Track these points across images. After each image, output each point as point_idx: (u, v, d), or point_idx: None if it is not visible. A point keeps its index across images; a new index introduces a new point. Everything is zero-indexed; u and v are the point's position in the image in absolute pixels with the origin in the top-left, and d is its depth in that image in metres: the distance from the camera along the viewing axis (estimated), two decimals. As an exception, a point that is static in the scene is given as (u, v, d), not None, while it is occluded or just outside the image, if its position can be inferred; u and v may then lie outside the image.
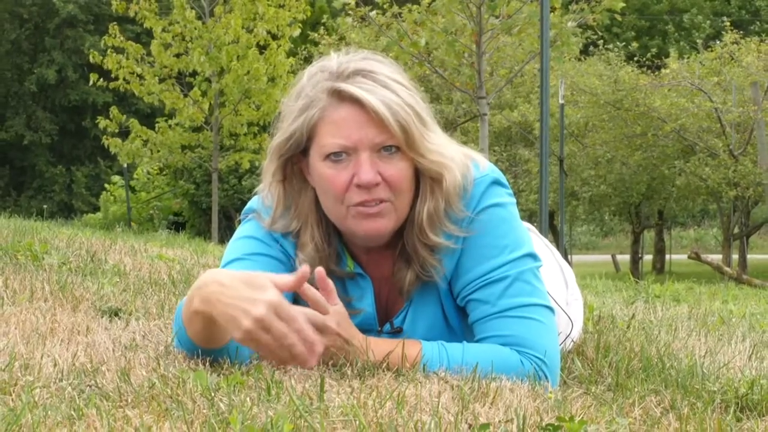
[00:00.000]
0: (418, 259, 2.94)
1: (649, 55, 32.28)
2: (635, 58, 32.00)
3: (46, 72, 51.07)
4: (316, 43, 28.29)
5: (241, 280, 2.66)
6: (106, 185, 37.15)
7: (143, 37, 26.22)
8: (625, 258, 38.12)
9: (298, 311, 2.66)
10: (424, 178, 2.89)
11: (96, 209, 39.96)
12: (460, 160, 2.93)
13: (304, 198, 2.96)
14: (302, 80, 2.92)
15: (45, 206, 31.71)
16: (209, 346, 2.79)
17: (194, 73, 23.63)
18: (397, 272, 2.99)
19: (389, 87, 2.82)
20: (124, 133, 24.27)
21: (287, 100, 2.94)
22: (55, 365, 2.67)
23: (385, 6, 16.21)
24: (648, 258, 38.77)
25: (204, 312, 2.68)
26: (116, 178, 36.10)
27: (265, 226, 3.01)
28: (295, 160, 2.94)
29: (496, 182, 2.97)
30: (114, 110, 24.10)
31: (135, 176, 35.26)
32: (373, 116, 2.79)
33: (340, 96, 2.82)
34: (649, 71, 31.12)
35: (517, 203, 3.07)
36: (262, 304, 2.60)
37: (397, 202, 2.86)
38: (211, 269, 2.82)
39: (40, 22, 52.82)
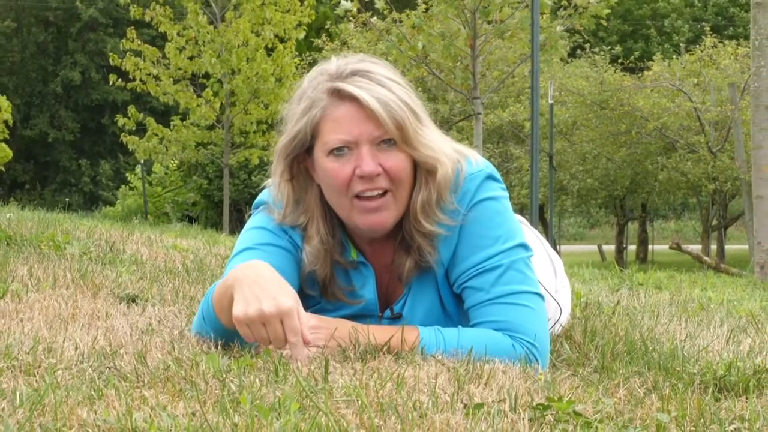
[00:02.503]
0: (415, 245, 2.95)
1: (632, 57, 32.23)
2: (619, 61, 31.98)
3: (70, 74, 51.13)
4: (319, 49, 28.26)
5: (276, 281, 2.68)
6: (129, 177, 37.16)
7: (158, 40, 26.23)
8: (610, 248, 38.11)
9: (300, 329, 2.66)
10: (420, 170, 2.90)
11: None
12: (451, 156, 2.94)
13: (310, 194, 2.97)
14: (303, 84, 2.95)
15: (67, 199, 31.69)
16: (233, 325, 2.78)
17: (207, 75, 23.72)
18: (397, 260, 3.00)
19: (385, 85, 2.84)
20: (141, 131, 24.32)
21: (289, 104, 2.96)
22: (76, 348, 2.67)
23: (385, 12, 16.19)
24: (632, 248, 38.78)
25: (231, 287, 2.69)
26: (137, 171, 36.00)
27: (276, 220, 3.02)
28: (301, 159, 2.95)
29: (490, 177, 2.98)
30: (132, 109, 24.14)
31: (153, 171, 35.26)
32: (370, 112, 2.80)
33: (340, 95, 2.84)
34: (632, 73, 31.12)
35: (510, 197, 3.07)
36: (275, 305, 2.61)
37: (398, 192, 2.87)
38: (260, 262, 2.81)
39: (63, 25, 52.86)
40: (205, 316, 2.89)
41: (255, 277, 2.68)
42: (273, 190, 3.02)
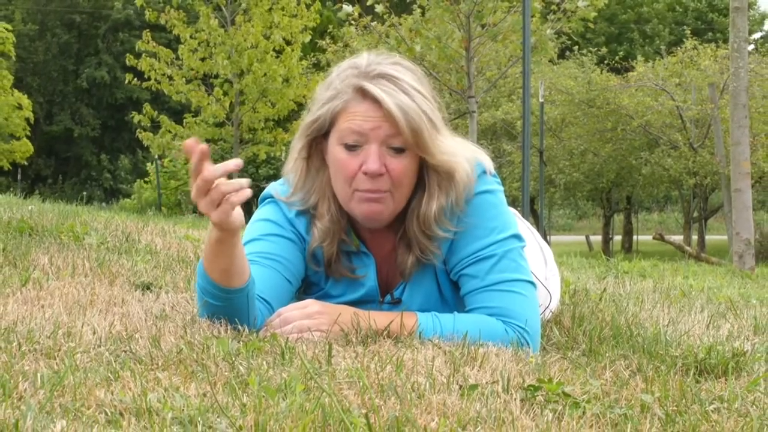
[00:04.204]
0: (419, 245, 2.95)
1: (617, 58, 32.23)
2: (605, 62, 31.98)
3: (96, 73, 51.36)
4: (323, 51, 28.25)
5: None
6: (149, 169, 37.19)
7: (174, 43, 26.30)
8: (597, 238, 38.15)
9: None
10: (432, 176, 2.90)
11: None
12: (470, 158, 2.94)
13: (323, 175, 2.97)
14: (332, 73, 2.95)
15: (84, 192, 31.66)
16: (230, 281, 2.76)
17: (217, 75, 23.72)
18: (400, 256, 3.00)
19: (408, 93, 2.83)
20: (157, 127, 24.37)
21: (319, 87, 2.96)
22: (94, 333, 2.67)
23: (384, 16, 16.19)
24: (617, 238, 38.80)
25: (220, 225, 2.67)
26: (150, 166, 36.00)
27: (284, 200, 3.02)
28: (319, 141, 2.95)
29: (487, 172, 2.99)
30: (147, 107, 24.20)
31: (165, 165, 35.24)
32: (387, 116, 2.80)
33: (364, 94, 2.84)
34: (618, 73, 31.13)
35: (503, 190, 3.07)
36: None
37: (396, 194, 2.87)
38: None
39: (85, 28, 53.00)
40: (204, 292, 2.82)
41: None
42: (289, 165, 3.02)
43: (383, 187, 2.84)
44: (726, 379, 2.68)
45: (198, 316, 2.96)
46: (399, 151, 2.84)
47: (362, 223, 2.98)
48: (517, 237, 2.99)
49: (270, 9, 23.20)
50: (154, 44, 23.22)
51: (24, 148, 37.88)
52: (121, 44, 51.31)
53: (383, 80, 2.84)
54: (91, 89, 52.46)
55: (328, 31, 30.12)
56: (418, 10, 16.37)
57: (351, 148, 2.84)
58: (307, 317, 2.79)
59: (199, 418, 1.91)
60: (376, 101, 2.82)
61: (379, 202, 2.86)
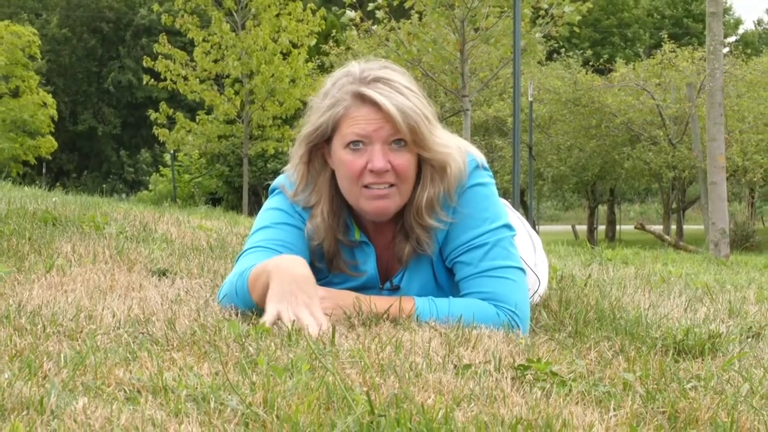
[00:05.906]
0: (414, 235, 2.96)
1: (601, 60, 32.19)
2: (590, 63, 31.95)
3: (120, 76, 51.47)
4: (326, 53, 28.26)
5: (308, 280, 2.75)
6: (160, 167, 37.22)
7: (189, 46, 26.32)
8: (582, 228, 38.13)
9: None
10: (426, 169, 2.91)
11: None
12: (462, 151, 2.95)
13: (323, 178, 2.98)
14: (327, 83, 2.95)
15: (104, 185, 31.68)
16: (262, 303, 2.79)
17: (229, 76, 23.74)
18: (398, 245, 3.01)
19: (403, 93, 2.84)
20: (173, 124, 24.41)
21: (315, 98, 2.97)
22: (113, 316, 2.67)
23: (384, 21, 16.17)
24: (602, 228, 38.79)
25: (268, 275, 2.73)
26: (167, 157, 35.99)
27: (289, 196, 3.02)
28: (319, 147, 2.95)
29: (479, 166, 2.99)
30: (163, 105, 24.22)
31: (180, 160, 35.23)
32: (387, 117, 2.80)
33: (363, 98, 2.84)
34: (601, 74, 31.10)
35: (495, 183, 3.08)
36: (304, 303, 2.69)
37: (401, 187, 2.88)
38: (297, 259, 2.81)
39: (107, 33, 53.05)
40: (238, 291, 2.88)
41: (291, 276, 2.70)
42: (290, 170, 3.03)
43: (390, 181, 2.85)
44: (703, 359, 2.68)
45: (217, 301, 2.97)
46: (401, 144, 2.84)
47: (371, 218, 2.98)
48: (508, 226, 3.00)
49: (278, 14, 23.24)
50: (170, 47, 23.27)
51: (48, 144, 37.86)
52: (142, 49, 51.35)
53: (379, 84, 2.85)
54: (113, 90, 52.53)
55: (332, 34, 30.11)
56: (416, 15, 16.35)
57: (355, 149, 2.85)
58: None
59: (212, 396, 1.91)
60: (374, 104, 2.82)
61: (387, 198, 2.87)
